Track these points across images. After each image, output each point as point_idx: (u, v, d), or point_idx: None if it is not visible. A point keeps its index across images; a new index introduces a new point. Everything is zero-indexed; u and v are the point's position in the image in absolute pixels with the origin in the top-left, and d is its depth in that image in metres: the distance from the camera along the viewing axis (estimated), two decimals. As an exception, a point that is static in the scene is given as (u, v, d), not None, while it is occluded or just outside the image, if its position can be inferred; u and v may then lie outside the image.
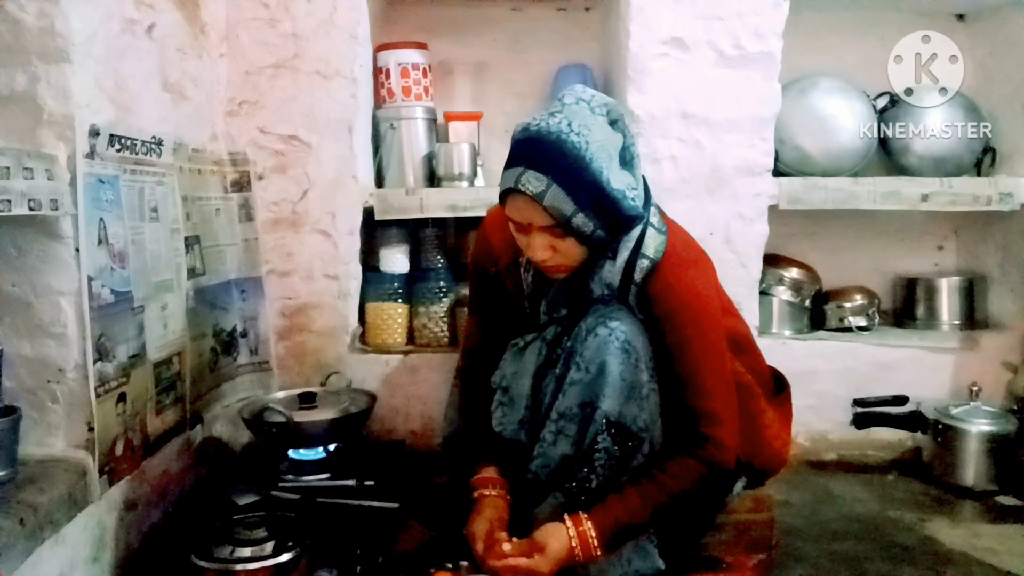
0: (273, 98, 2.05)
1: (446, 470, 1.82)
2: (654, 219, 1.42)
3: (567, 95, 1.38)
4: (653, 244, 1.39)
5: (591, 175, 1.30)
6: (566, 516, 1.34)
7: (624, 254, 1.38)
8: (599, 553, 1.32)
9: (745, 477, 1.55)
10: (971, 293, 2.44)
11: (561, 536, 1.32)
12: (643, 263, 1.37)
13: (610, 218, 1.35)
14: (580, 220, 1.32)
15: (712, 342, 1.39)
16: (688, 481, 1.35)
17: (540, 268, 1.45)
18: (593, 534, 1.31)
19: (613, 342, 1.35)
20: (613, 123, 1.38)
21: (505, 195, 1.37)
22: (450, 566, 1.43)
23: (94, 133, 1.37)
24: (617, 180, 1.33)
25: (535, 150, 1.31)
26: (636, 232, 1.38)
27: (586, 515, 1.34)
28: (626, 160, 1.38)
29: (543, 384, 1.49)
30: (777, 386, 1.66)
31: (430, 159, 2.27)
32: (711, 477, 1.36)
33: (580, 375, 1.39)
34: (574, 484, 1.42)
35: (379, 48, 2.27)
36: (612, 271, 1.40)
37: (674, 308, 1.36)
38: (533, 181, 1.29)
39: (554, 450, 1.43)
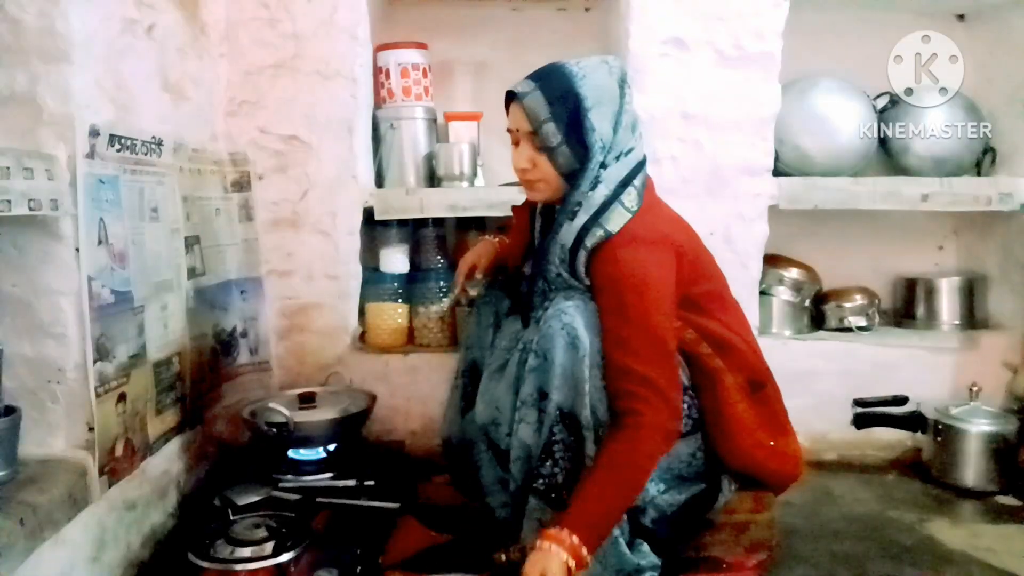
0: (273, 98, 2.06)
1: (445, 470, 1.82)
2: (627, 199, 1.43)
3: (599, 55, 1.49)
4: (614, 218, 1.41)
5: (573, 97, 1.40)
6: (545, 538, 1.28)
7: (582, 218, 1.42)
8: (589, 557, 1.29)
9: (729, 477, 1.53)
10: (971, 293, 2.44)
11: (552, 560, 1.26)
12: (597, 232, 1.40)
13: (577, 145, 1.41)
14: (551, 129, 1.40)
15: (646, 312, 1.37)
16: (633, 449, 1.34)
17: (522, 184, 1.53)
18: (577, 541, 1.27)
19: (561, 333, 1.38)
20: (621, 84, 1.44)
21: (507, 106, 1.49)
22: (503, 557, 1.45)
23: (94, 133, 1.37)
24: (597, 118, 1.40)
25: (540, 69, 1.46)
26: (599, 199, 1.41)
27: (561, 527, 1.28)
28: (616, 120, 1.43)
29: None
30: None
31: (430, 159, 2.27)
32: (660, 440, 1.35)
33: (536, 362, 1.42)
34: (543, 482, 1.41)
35: (379, 48, 2.27)
36: (568, 231, 1.43)
37: (613, 277, 1.39)
38: (523, 84, 1.45)
39: (519, 438, 1.45)
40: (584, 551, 1.27)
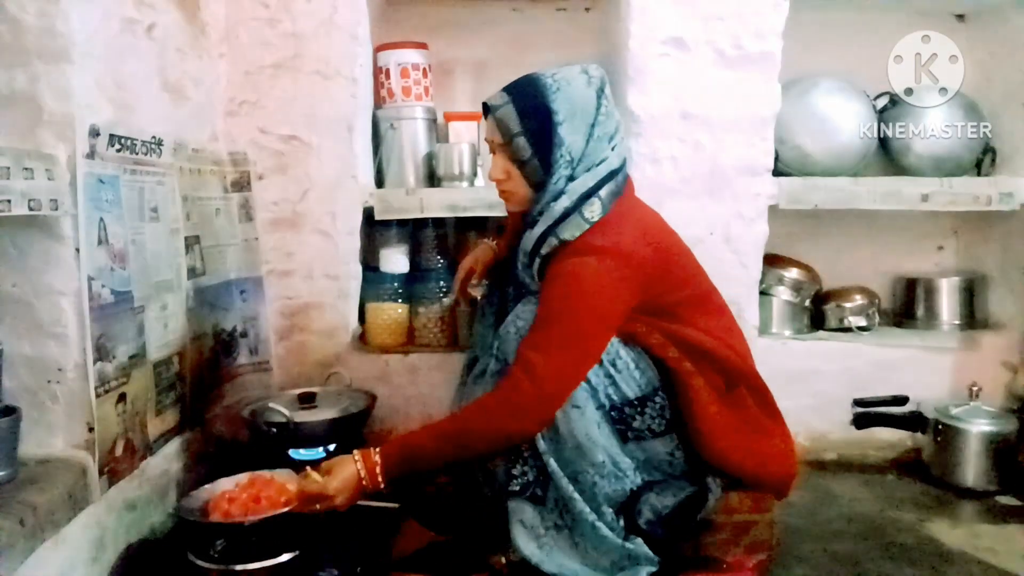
0: (273, 98, 2.06)
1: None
2: (588, 210, 1.44)
3: (581, 64, 1.51)
4: (569, 228, 1.44)
5: (544, 110, 1.43)
6: (357, 450, 1.40)
7: (541, 227, 1.46)
8: (383, 482, 1.37)
9: (714, 477, 1.52)
10: (971, 293, 2.44)
11: (347, 467, 1.38)
12: (552, 241, 1.45)
13: (546, 160, 1.45)
14: (521, 143, 1.45)
15: (566, 315, 1.39)
16: (483, 414, 1.39)
17: (501, 194, 1.57)
18: (379, 462, 1.37)
19: (515, 338, 1.45)
20: (599, 95, 1.46)
21: (484, 116, 1.53)
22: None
23: (94, 133, 1.37)
24: (567, 131, 1.43)
25: (516, 81, 1.50)
26: (559, 210, 1.44)
27: (377, 448, 1.40)
28: (589, 132, 1.45)
29: None
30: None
31: (430, 159, 2.27)
32: (506, 412, 1.38)
33: (498, 366, 1.49)
34: (517, 483, 1.47)
35: (379, 48, 2.27)
36: (528, 239, 1.49)
37: (550, 283, 1.43)
38: (497, 97, 1.49)
39: None
40: (379, 473, 1.36)
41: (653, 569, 1.45)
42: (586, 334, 1.41)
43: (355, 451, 1.40)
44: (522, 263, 1.54)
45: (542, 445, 1.44)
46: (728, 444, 1.47)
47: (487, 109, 1.51)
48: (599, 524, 1.43)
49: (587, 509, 1.43)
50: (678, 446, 1.49)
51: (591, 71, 1.49)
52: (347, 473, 1.37)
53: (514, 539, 1.47)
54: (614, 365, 1.44)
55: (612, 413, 1.45)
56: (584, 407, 1.42)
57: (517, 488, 1.48)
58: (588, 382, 1.43)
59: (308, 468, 1.43)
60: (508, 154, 1.49)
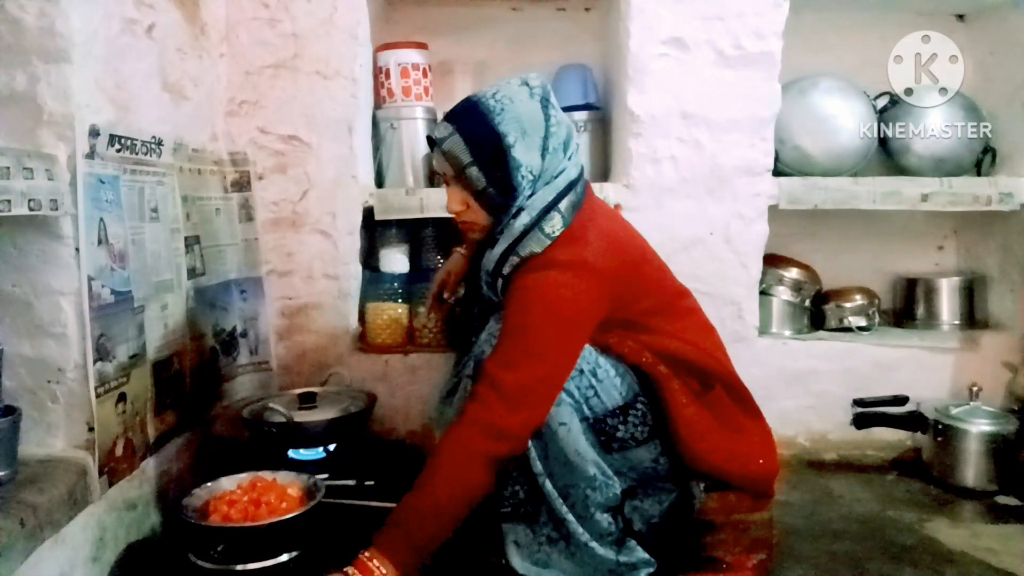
0: (273, 98, 2.06)
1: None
2: (548, 225, 1.40)
3: (520, 76, 1.47)
4: (530, 245, 1.40)
5: (493, 135, 1.38)
6: (357, 568, 1.24)
7: (502, 246, 1.43)
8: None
9: (696, 481, 1.53)
10: (971, 293, 2.44)
11: None
12: (513, 259, 1.42)
13: (503, 183, 1.40)
14: (474, 173, 1.40)
15: (530, 328, 1.35)
16: (455, 445, 1.32)
17: (459, 226, 1.53)
18: (389, 571, 1.24)
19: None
20: (545, 106, 1.42)
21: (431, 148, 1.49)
22: None
23: (94, 133, 1.37)
24: (522, 152, 1.39)
25: (456, 108, 1.44)
26: (519, 227, 1.41)
27: (373, 552, 1.25)
28: (543, 146, 1.41)
29: None
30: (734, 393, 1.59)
31: (430, 159, 2.27)
32: (477, 437, 1.31)
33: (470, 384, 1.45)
34: (507, 504, 1.46)
35: (379, 48, 2.27)
36: (489, 259, 1.46)
37: (514, 298, 1.39)
38: (441, 128, 1.43)
39: None
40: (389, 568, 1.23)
41: (651, 570, 1.45)
42: (552, 346, 1.36)
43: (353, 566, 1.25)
44: (485, 282, 1.51)
45: (537, 466, 1.42)
46: (707, 446, 1.47)
47: (432, 142, 1.46)
48: (592, 544, 1.42)
49: (580, 529, 1.42)
50: (662, 452, 1.48)
51: (531, 82, 1.44)
52: None
53: (509, 559, 1.47)
54: (595, 375, 1.43)
55: (596, 425, 1.44)
56: (570, 423, 1.41)
57: (509, 509, 1.47)
58: (572, 396, 1.41)
59: None
60: (462, 185, 1.44)
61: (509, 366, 1.34)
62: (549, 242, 1.40)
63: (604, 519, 1.44)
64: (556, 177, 1.45)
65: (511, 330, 1.37)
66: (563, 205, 1.42)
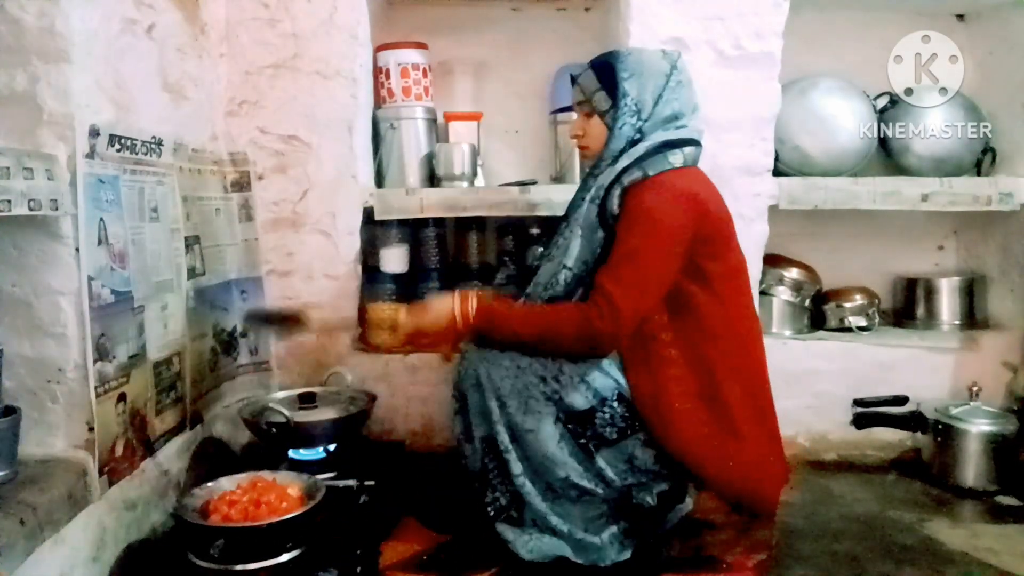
0: (273, 98, 2.06)
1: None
2: (672, 157, 1.58)
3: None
4: (655, 165, 1.56)
5: (617, 69, 1.61)
6: (457, 292, 1.59)
7: (624, 162, 1.58)
8: (468, 324, 1.54)
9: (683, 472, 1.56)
10: (971, 293, 2.44)
11: (446, 302, 1.57)
12: (636, 172, 1.56)
13: (617, 107, 1.61)
14: (600, 97, 1.63)
15: (644, 249, 1.51)
16: (566, 323, 1.52)
17: (579, 150, 1.76)
18: (473, 311, 1.54)
19: (469, 376, 1.59)
20: (672, 67, 1.63)
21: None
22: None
23: (94, 133, 1.37)
24: (632, 86, 1.60)
25: (599, 55, 1.69)
26: (641, 150, 1.58)
27: (475, 297, 1.57)
28: (658, 94, 1.60)
29: None
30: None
31: (430, 159, 2.27)
32: (585, 334, 1.49)
33: (457, 405, 1.66)
34: (491, 509, 1.58)
35: (379, 48, 2.27)
36: (608, 173, 1.60)
37: (632, 213, 1.54)
38: (579, 66, 1.71)
39: (471, 468, 1.65)
40: (471, 319, 1.54)
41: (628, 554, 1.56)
42: (657, 275, 1.52)
43: (456, 292, 1.59)
44: (591, 197, 1.62)
45: (516, 468, 1.54)
46: (695, 436, 1.51)
47: (573, 79, 1.70)
48: (579, 535, 1.55)
49: (567, 528, 1.54)
50: (645, 444, 1.53)
51: (669, 51, 1.69)
52: (442, 308, 1.56)
53: (515, 551, 1.55)
54: (557, 380, 1.52)
55: (567, 426, 1.53)
56: (537, 428, 1.51)
57: (492, 514, 1.57)
58: (538, 400, 1.51)
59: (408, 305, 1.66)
60: (589, 110, 1.65)
61: (625, 285, 1.49)
62: (669, 167, 1.57)
63: (588, 512, 1.54)
64: (676, 127, 1.61)
65: (628, 252, 1.52)
66: (687, 150, 1.61)
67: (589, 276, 1.57)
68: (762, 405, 1.60)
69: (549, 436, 1.51)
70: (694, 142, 1.63)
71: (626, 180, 1.56)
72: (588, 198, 1.63)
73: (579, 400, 1.51)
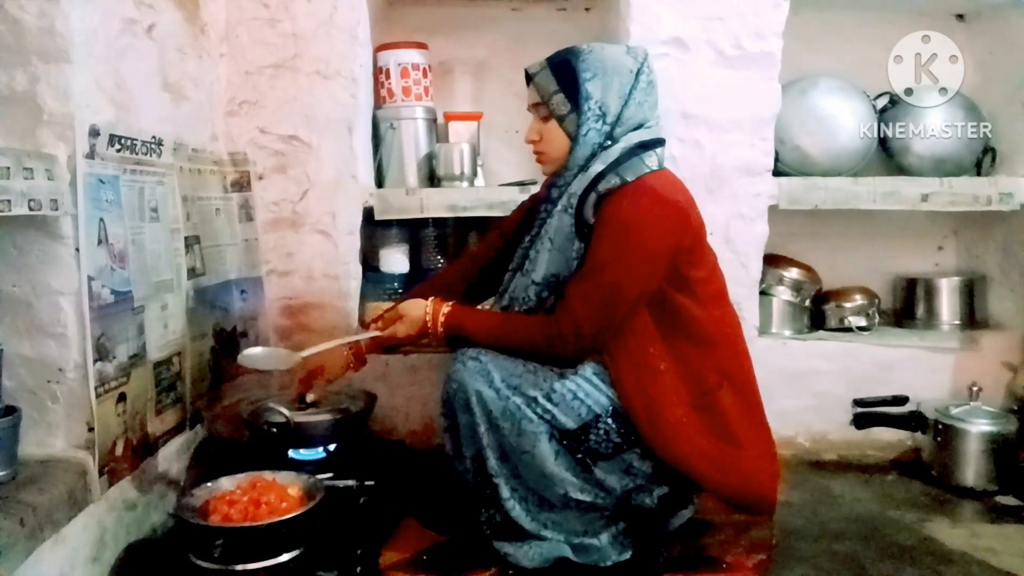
0: (273, 98, 2.05)
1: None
2: (648, 159, 1.53)
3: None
4: (632, 169, 1.51)
5: (578, 70, 1.53)
6: (431, 299, 1.61)
7: (598, 167, 1.53)
8: (440, 331, 1.58)
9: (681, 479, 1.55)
10: (971, 293, 2.44)
11: (419, 308, 1.60)
12: (613, 179, 1.50)
13: (579, 112, 1.53)
14: (559, 100, 1.55)
15: (619, 262, 1.46)
16: (531, 339, 1.53)
17: (535, 156, 1.67)
18: (443, 319, 1.58)
19: (458, 398, 1.54)
20: (638, 68, 1.55)
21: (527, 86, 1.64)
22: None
23: (94, 133, 1.37)
24: (596, 88, 1.52)
25: (555, 52, 1.60)
26: (616, 153, 1.53)
27: (448, 305, 1.60)
28: (626, 93, 1.54)
29: None
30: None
31: (430, 159, 2.27)
32: (549, 350, 1.52)
33: (447, 422, 1.61)
34: (486, 527, 1.58)
35: (379, 48, 2.27)
36: (581, 180, 1.54)
37: (610, 219, 1.48)
38: (535, 64, 1.60)
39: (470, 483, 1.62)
40: (441, 325, 1.58)
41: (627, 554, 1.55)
42: (629, 288, 1.48)
43: (430, 299, 1.62)
44: (564, 206, 1.56)
45: (505, 492, 1.53)
46: (692, 449, 1.50)
47: (529, 77, 1.62)
48: (580, 539, 1.54)
49: (563, 538, 1.55)
50: (643, 456, 1.52)
51: (633, 48, 1.61)
52: (415, 314, 1.60)
53: (516, 563, 1.54)
54: (549, 399, 1.49)
55: (563, 442, 1.51)
56: (533, 449, 1.49)
57: (489, 532, 1.57)
58: (532, 421, 1.49)
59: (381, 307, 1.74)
60: (546, 113, 1.58)
61: (590, 301, 1.48)
62: (647, 171, 1.51)
63: (586, 516, 1.54)
64: (647, 128, 1.56)
65: (598, 265, 1.48)
66: (659, 151, 1.57)
67: (561, 287, 1.55)
68: (753, 405, 1.60)
69: (546, 455, 1.49)
70: (663, 142, 1.60)
71: (602, 188, 1.50)
72: (559, 209, 1.57)
73: (572, 419, 1.49)
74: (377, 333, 1.67)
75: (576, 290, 1.49)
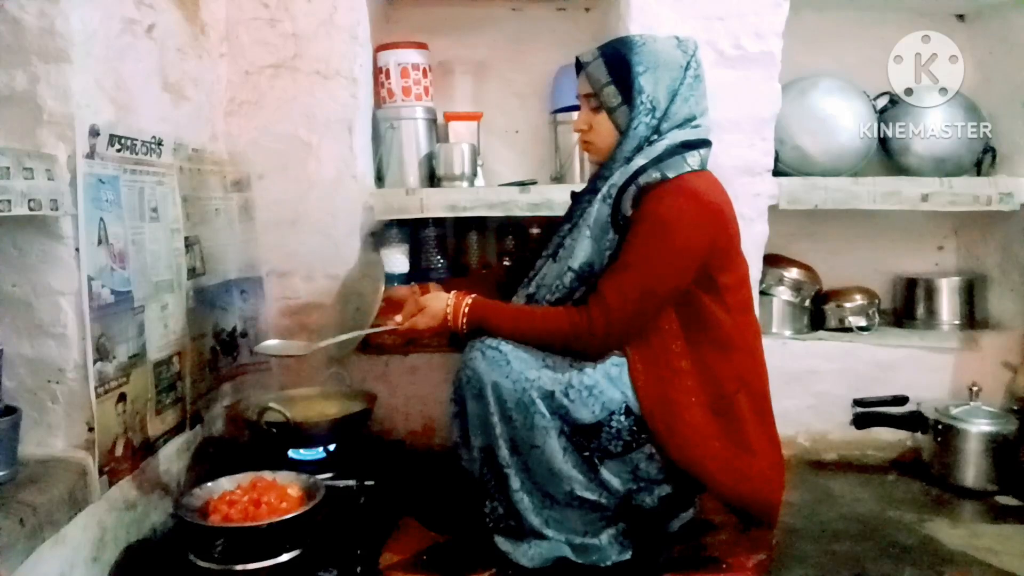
0: (273, 98, 2.05)
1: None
2: (691, 158, 1.53)
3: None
4: (673, 166, 1.51)
5: (632, 63, 1.53)
6: (454, 292, 1.60)
7: (640, 161, 1.53)
8: (462, 325, 1.56)
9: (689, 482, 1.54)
10: (971, 293, 2.44)
11: (440, 301, 1.58)
12: (654, 174, 1.50)
13: (631, 106, 1.54)
14: (610, 92, 1.56)
15: (654, 260, 1.47)
16: (555, 332, 1.52)
17: (581, 145, 1.70)
18: (465, 311, 1.55)
19: (469, 386, 1.53)
20: (688, 59, 1.56)
21: (577, 74, 1.65)
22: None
23: (94, 133, 1.37)
24: (647, 82, 1.53)
25: (607, 41, 1.61)
26: (659, 149, 1.53)
27: (471, 297, 1.57)
28: (674, 88, 1.54)
29: None
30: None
31: (430, 159, 2.27)
32: (574, 344, 1.51)
33: (455, 408, 1.60)
34: (490, 520, 1.57)
35: (379, 48, 2.27)
36: (622, 172, 1.54)
37: (649, 217, 1.48)
38: (588, 53, 1.60)
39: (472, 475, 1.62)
40: (463, 318, 1.55)
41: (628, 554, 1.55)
42: (662, 287, 1.49)
43: (452, 292, 1.60)
44: (603, 196, 1.56)
45: (515, 483, 1.51)
46: (705, 452, 1.49)
47: (580, 66, 1.61)
48: (581, 539, 1.54)
49: (564, 538, 1.54)
50: (652, 456, 1.51)
51: (684, 40, 1.60)
52: (437, 307, 1.57)
53: (515, 561, 1.55)
54: (566, 395, 1.48)
55: (572, 440, 1.50)
56: (543, 445, 1.48)
57: (491, 524, 1.56)
58: (544, 416, 1.47)
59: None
60: (597, 104, 1.58)
61: (624, 294, 1.48)
62: (688, 170, 1.51)
63: (587, 516, 1.54)
64: (687, 126, 1.56)
65: (635, 261, 1.48)
66: (703, 151, 1.56)
67: (594, 278, 1.54)
68: (767, 415, 1.60)
69: (554, 451, 1.49)
70: (708, 143, 1.59)
71: (642, 181, 1.50)
72: (599, 198, 1.56)
73: (586, 414, 1.48)
74: (396, 326, 1.63)
75: (611, 283, 1.49)
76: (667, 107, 1.54)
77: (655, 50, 1.54)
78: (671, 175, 1.49)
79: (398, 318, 1.63)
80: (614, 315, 1.47)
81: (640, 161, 1.52)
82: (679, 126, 1.55)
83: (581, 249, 1.56)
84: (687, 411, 1.49)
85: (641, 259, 1.47)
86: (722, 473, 1.50)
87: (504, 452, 1.50)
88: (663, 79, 1.53)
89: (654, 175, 1.50)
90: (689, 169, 1.51)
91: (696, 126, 1.57)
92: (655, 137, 1.54)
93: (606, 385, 1.49)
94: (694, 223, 1.48)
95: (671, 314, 1.52)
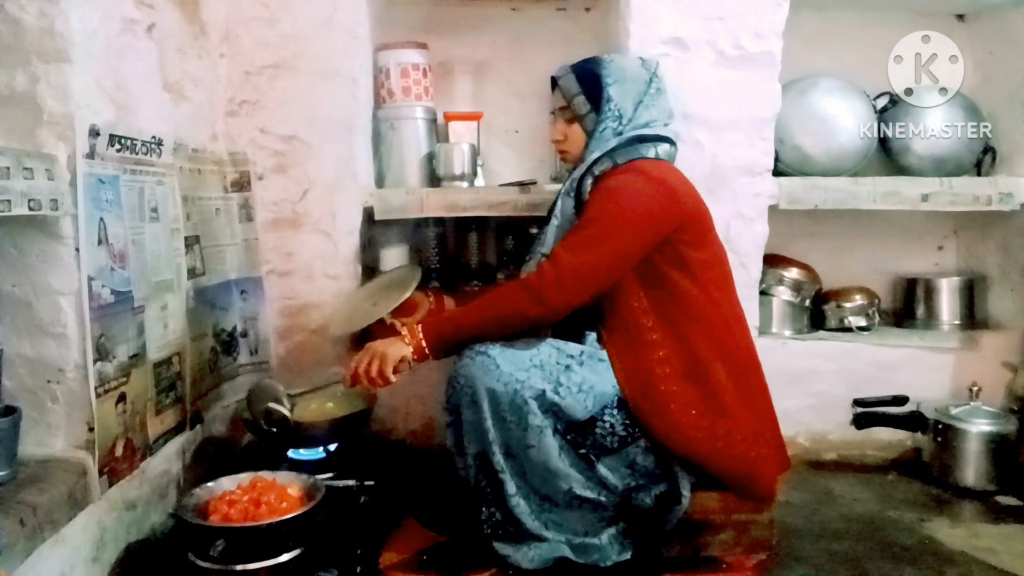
0: (273, 98, 2.05)
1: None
2: (645, 150, 1.64)
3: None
4: (625, 155, 1.63)
5: (598, 74, 1.67)
6: (406, 327, 1.59)
7: (595, 154, 1.64)
8: (428, 351, 1.56)
9: (683, 474, 1.55)
10: (971, 293, 2.44)
11: (396, 347, 1.55)
12: (606, 162, 1.63)
13: (599, 112, 1.66)
14: (580, 101, 1.69)
15: (601, 219, 1.55)
16: (509, 292, 1.57)
17: (560, 154, 1.83)
18: (422, 338, 1.56)
19: (464, 392, 1.55)
20: (651, 76, 1.69)
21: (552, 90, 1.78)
22: None
23: (94, 133, 1.37)
24: (615, 92, 1.65)
25: (578, 61, 1.74)
26: (613, 143, 1.63)
27: (423, 326, 1.58)
28: (638, 99, 1.66)
29: None
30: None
31: (430, 159, 2.27)
32: (528, 296, 1.53)
33: (450, 418, 1.61)
34: (487, 526, 1.57)
35: (379, 48, 2.27)
36: (581, 167, 1.67)
37: (600, 193, 1.60)
38: (560, 69, 1.74)
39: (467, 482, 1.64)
40: (425, 346, 1.55)
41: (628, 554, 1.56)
42: (613, 236, 1.54)
43: (404, 330, 1.58)
44: (566, 190, 1.69)
45: (511, 488, 1.52)
46: (691, 422, 1.51)
47: (554, 82, 1.75)
48: (580, 539, 1.55)
49: (564, 539, 1.54)
50: (647, 449, 1.53)
51: (647, 59, 1.77)
52: (396, 352, 1.55)
53: (517, 564, 1.55)
54: (557, 392, 1.50)
55: (567, 437, 1.52)
56: (538, 443, 1.50)
57: (489, 531, 1.56)
58: (543, 411, 1.49)
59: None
60: (571, 116, 1.71)
61: (572, 249, 1.54)
62: (641, 157, 1.62)
63: (587, 516, 1.54)
64: (645, 128, 1.65)
65: (584, 222, 1.57)
66: (661, 146, 1.66)
67: None
68: (751, 386, 1.60)
69: (550, 449, 1.50)
70: (668, 140, 1.68)
71: (597, 170, 1.63)
72: (563, 192, 1.70)
73: (579, 411, 1.50)
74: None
75: (561, 243, 1.57)
76: (632, 115, 1.66)
77: (622, 66, 1.70)
78: (621, 161, 1.62)
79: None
80: (563, 265, 1.51)
81: (596, 154, 1.64)
82: (639, 129, 1.65)
83: (551, 237, 1.68)
84: (662, 381, 1.53)
85: (588, 220, 1.56)
86: (701, 440, 1.51)
87: (498, 457, 1.52)
88: (630, 91, 1.66)
89: (606, 163, 1.63)
90: (642, 157, 1.62)
91: (651, 126, 1.66)
92: (621, 133, 1.65)
93: (595, 380, 1.52)
94: (640, 191, 1.56)
95: (639, 292, 1.57)
